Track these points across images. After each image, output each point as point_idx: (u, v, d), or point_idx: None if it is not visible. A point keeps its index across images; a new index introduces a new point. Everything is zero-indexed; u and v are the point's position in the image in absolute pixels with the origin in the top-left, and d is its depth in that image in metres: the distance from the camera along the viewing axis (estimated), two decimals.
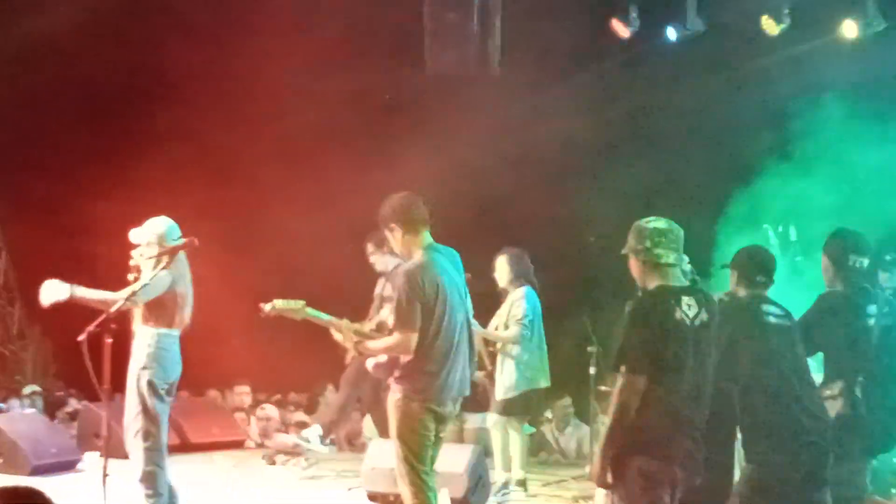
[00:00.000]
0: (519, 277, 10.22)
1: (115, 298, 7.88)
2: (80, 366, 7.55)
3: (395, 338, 7.15)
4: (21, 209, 15.90)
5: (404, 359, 7.17)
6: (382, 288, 10.56)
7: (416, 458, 7.18)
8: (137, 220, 8.35)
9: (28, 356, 16.60)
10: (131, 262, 8.26)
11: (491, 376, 10.17)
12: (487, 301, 10.19)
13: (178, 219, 8.37)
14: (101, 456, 8.02)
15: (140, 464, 8.10)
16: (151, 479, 8.12)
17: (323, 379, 13.94)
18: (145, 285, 7.96)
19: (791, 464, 6.50)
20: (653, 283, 6.06)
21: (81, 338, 7.54)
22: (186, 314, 8.26)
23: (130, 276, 8.18)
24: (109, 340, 7.58)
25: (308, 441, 10.91)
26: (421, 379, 7.13)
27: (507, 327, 10.10)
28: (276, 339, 11.78)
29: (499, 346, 10.10)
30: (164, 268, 7.99)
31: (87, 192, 14.88)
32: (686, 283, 6.22)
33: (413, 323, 7.06)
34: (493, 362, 10.14)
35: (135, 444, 8.13)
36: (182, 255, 8.21)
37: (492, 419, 10.25)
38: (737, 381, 6.59)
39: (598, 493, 8.87)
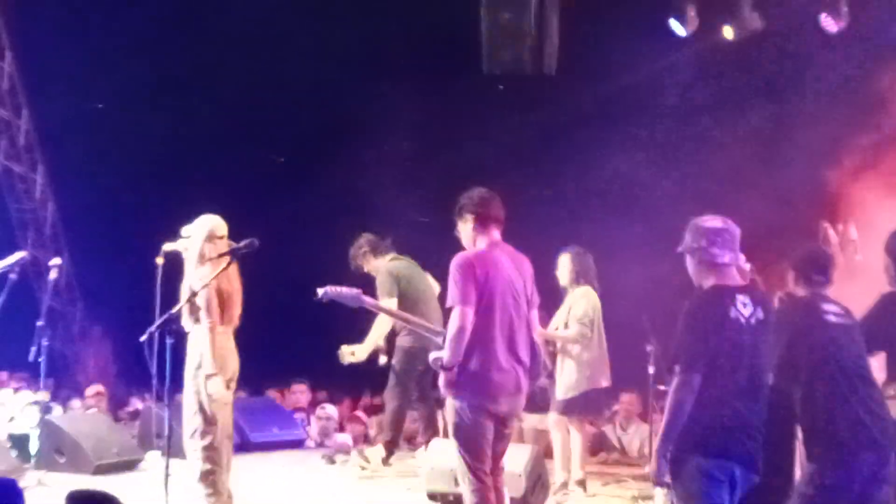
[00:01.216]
0: (580, 277, 10.20)
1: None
2: (142, 365, 7.63)
3: (451, 318, 7.18)
4: (83, 211, 16.11)
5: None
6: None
7: (473, 456, 7.19)
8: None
9: (89, 356, 16.78)
10: (179, 252, 8.36)
11: (551, 376, 10.15)
12: None
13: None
14: (162, 455, 8.07)
15: (198, 463, 8.14)
16: (210, 479, 8.15)
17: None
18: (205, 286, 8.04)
19: (852, 463, 6.45)
20: (708, 282, 6.07)
21: (143, 338, 7.62)
22: (235, 313, 8.30)
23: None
24: (170, 340, 7.65)
25: (369, 462, 10.96)
26: (467, 372, 7.13)
27: (567, 327, 10.08)
28: (337, 337, 11.81)
29: (559, 345, 10.09)
30: (224, 269, 8.03)
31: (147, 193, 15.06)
32: (742, 282, 6.19)
33: (467, 298, 7.09)
34: (554, 362, 10.12)
35: (192, 443, 8.16)
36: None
37: (552, 419, 10.24)
38: (797, 380, 6.54)
39: (657, 492, 8.89)
